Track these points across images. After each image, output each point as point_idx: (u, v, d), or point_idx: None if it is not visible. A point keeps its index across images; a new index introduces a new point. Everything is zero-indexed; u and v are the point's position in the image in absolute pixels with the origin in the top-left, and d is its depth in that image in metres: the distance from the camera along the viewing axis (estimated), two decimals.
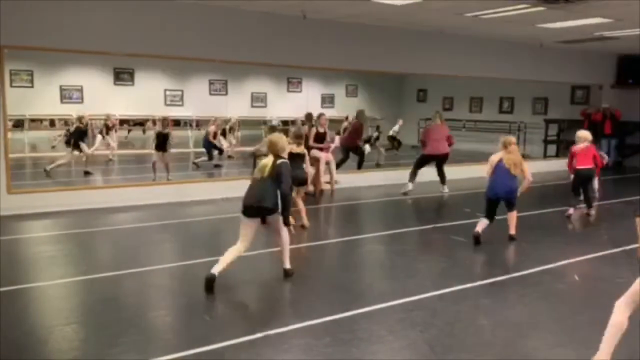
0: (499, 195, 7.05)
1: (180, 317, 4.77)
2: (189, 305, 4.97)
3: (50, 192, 9.36)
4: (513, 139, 7.37)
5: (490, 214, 7.12)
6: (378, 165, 14.67)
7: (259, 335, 4.23)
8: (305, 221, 7.80)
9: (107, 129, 15.11)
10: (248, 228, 5.31)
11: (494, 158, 7.17)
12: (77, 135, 12.32)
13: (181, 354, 3.90)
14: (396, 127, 17.76)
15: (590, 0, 8.68)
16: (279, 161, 5.32)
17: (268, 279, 5.78)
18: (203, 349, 3.98)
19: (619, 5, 9.05)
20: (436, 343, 4.14)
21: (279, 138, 5.53)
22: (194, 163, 14.33)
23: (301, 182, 7.64)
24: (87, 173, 12.61)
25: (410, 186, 10.89)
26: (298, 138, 7.78)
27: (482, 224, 7.07)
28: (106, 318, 4.62)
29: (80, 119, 12.60)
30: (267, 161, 5.36)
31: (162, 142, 11.53)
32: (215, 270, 5.11)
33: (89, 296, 5.25)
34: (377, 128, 17.54)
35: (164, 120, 12.10)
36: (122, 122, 18.02)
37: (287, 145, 5.68)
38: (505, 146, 7.15)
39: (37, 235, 7.70)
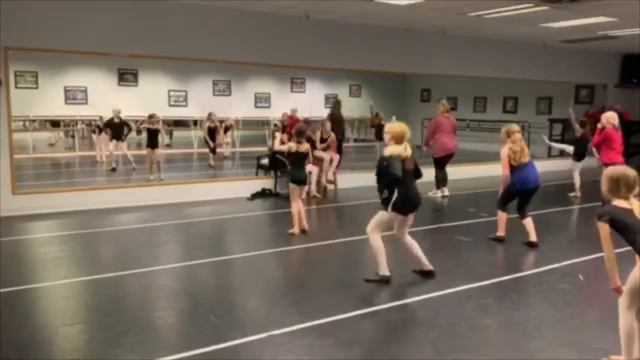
0: (535, 186, 6.90)
1: (184, 317, 4.78)
2: (192, 305, 4.98)
3: (55, 193, 9.40)
4: (516, 127, 6.90)
5: (506, 206, 7.08)
6: None
7: (262, 335, 4.23)
8: (305, 224, 7.55)
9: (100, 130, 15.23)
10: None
11: (509, 153, 6.77)
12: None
13: (185, 354, 3.91)
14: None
15: (594, 0, 8.67)
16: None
17: (271, 279, 5.79)
18: (207, 349, 3.99)
19: (623, 5, 9.04)
20: (439, 343, 4.14)
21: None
22: (210, 166, 14.37)
23: (301, 181, 7.49)
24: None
25: (441, 192, 10.53)
26: (300, 135, 7.29)
27: (503, 219, 7.06)
28: (110, 318, 4.63)
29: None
30: (405, 150, 5.46)
31: (152, 138, 11.58)
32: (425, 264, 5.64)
33: (93, 296, 5.27)
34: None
35: (152, 117, 11.90)
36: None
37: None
38: (509, 135, 6.81)
39: (42, 236, 7.74)
